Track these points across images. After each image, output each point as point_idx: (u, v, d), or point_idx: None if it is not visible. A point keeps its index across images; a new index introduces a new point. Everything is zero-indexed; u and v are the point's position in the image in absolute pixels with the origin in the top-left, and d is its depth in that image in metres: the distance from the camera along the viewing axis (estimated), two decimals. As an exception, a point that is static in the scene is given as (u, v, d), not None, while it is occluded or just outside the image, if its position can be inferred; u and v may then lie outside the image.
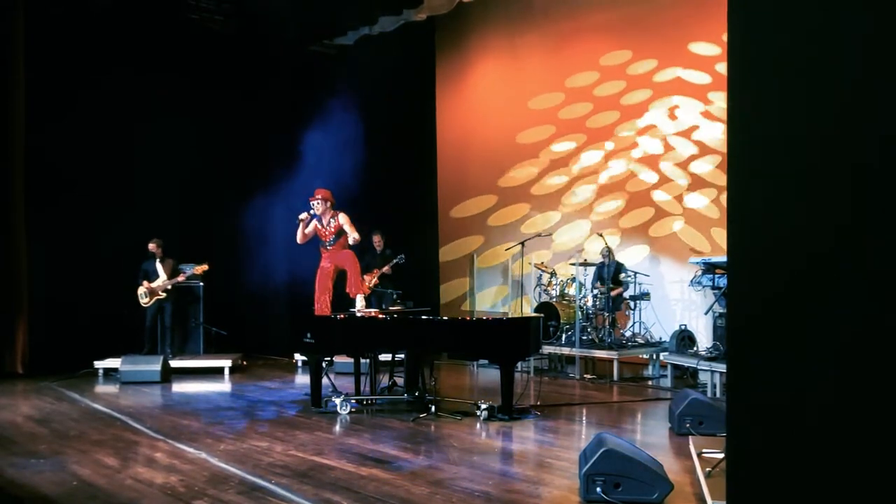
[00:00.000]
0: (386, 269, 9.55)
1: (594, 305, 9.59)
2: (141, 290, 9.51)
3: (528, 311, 10.16)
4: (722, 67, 9.20)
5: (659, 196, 10.14)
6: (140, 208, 9.82)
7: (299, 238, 7.44)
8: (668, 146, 10.08)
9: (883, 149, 2.02)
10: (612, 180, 10.63)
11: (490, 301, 12.05)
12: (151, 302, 9.51)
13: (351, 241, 7.32)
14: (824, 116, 2.16)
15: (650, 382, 8.83)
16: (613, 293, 9.30)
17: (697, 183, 9.76)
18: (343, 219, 7.34)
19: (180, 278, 9.59)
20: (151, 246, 9.59)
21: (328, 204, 7.37)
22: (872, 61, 2.06)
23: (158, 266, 9.58)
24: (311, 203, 7.36)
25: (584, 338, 9.28)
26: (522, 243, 8.66)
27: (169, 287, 9.53)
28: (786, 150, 2.24)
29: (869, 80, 2.06)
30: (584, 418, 6.78)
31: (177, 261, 9.77)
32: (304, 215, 7.36)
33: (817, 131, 2.17)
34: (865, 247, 2.04)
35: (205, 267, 9.75)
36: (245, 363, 10.10)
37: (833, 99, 2.14)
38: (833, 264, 2.12)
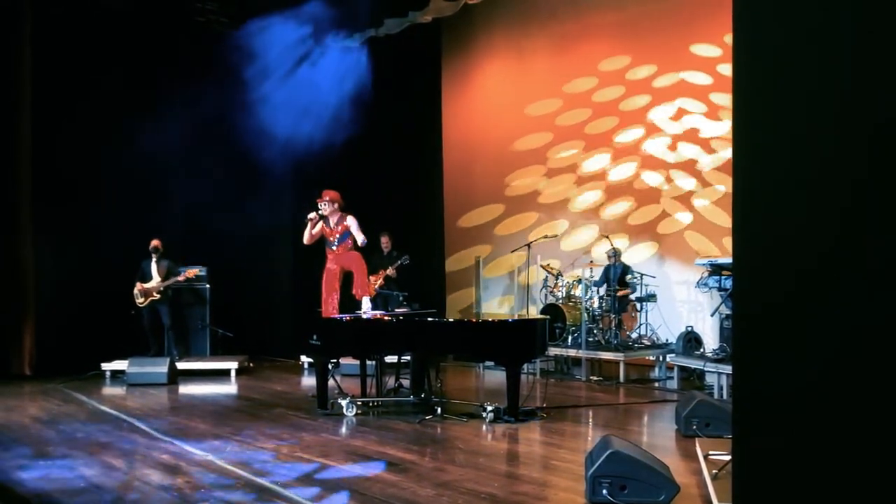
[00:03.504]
0: (390, 270, 9.53)
1: (600, 307, 9.57)
2: (135, 291, 9.51)
3: (535, 313, 10.13)
4: (727, 68, 9.17)
5: (665, 198, 10.12)
6: (146, 209, 9.84)
7: (306, 238, 7.42)
8: (674, 147, 10.07)
9: (884, 149, 2.01)
10: (619, 183, 10.60)
11: (497, 303, 12.04)
12: (146, 303, 9.51)
13: (359, 243, 7.32)
14: (825, 117, 2.16)
15: (656, 384, 8.80)
16: (620, 293, 9.27)
17: (704, 184, 9.74)
18: (351, 221, 7.33)
19: (175, 279, 9.57)
20: (155, 242, 9.57)
21: (336, 205, 7.37)
22: (873, 61, 2.05)
23: (153, 266, 9.56)
24: (318, 204, 7.36)
25: (591, 339, 9.25)
26: (528, 245, 8.64)
27: (161, 288, 9.52)
28: (788, 152, 2.23)
29: (870, 80, 2.06)
30: (590, 420, 6.77)
31: (176, 262, 9.75)
32: (312, 215, 7.34)
33: (819, 132, 2.17)
34: (865, 247, 2.04)
35: (196, 271, 9.72)
36: (251, 365, 10.11)
37: (834, 100, 2.14)
38: (833, 264, 2.11)
